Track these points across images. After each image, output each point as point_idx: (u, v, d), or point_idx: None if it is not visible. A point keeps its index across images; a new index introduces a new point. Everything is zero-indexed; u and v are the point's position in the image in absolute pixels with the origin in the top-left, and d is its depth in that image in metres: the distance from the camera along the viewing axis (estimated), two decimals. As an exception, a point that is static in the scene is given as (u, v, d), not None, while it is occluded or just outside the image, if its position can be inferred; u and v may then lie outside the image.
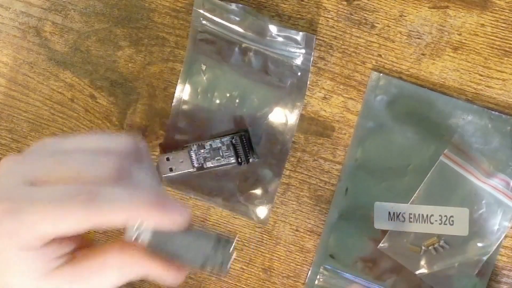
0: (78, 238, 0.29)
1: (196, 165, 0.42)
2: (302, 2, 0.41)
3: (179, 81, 0.43)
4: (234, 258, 0.30)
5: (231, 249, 0.29)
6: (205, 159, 0.42)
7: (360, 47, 0.41)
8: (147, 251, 0.29)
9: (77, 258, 0.29)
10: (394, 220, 0.41)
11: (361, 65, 0.41)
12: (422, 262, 0.41)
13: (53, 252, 0.28)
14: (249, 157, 0.42)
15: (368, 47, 0.41)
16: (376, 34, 0.41)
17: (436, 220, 0.40)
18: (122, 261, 0.29)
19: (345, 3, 0.41)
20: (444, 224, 0.40)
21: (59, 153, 0.29)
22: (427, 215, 0.40)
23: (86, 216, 0.26)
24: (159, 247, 0.29)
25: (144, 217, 0.28)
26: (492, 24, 0.39)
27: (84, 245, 0.30)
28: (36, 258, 0.27)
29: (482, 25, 0.40)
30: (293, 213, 0.43)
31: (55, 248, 0.28)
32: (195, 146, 0.42)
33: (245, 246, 0.44)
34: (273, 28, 0.41)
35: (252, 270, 0.44)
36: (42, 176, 0.28)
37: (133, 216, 0.27)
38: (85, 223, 0.27)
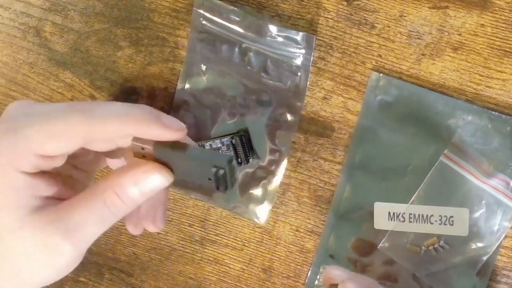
0: (61, 187, 0.29)
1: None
2: (302, 2, 0.41)
3: (179, 81, 0.43)
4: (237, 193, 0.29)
5: (233, 163, 0.28)
6: (205, 159, 0.42)
7: (360, 47, 0.41)
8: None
9: (61, 203, 0.28)
10: (394, 220, 0.41)
11: (361, 65, 0.41)
12: (422, 262, 0.41)
13: (39, 188, 0.27)
14: (249, 157, 0.42)
15: (368, 47, 0.41)
16: (376, 34, 0.41)
17: (436, 220, 0.40)
18: (109, 185, 0.28)
19: (345, 3, 0.41)
20: (444, 224, 0.40)
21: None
22: (427, 215, 0.40)
23: (81, 125, 0.27)
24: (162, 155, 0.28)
25: (141, 127, 0.27)
26: (492, 24, 0.39)
27: (66, 197, 0.29)
28: (23, 191, 0.27)
29: (482, 25, 0.40)
30: (293, 213, 0.43)
31: (41, 184, 0.28)
32: (195, 146, 0.42)
33: (245, 246, 0.44)
34: (273, 28, 0.41)
35: (252, 270, 0.44)
36: (43, 104, 0.28)
37: (130, 127, 0.27)
38: (81, 135, 0.27)
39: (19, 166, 0.27)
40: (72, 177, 0.31)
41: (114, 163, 0.34)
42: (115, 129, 0.27)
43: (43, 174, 0.28)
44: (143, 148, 0.28)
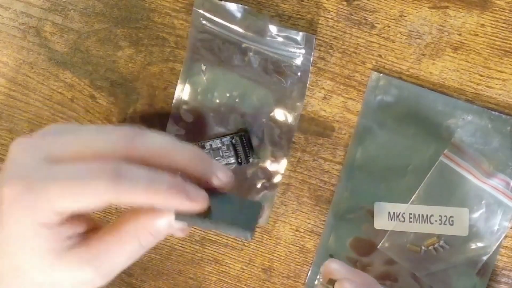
0: (89, 220, 0.29)
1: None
2: (302, 2, 0.41)
3: (179, 81, 0.43)
4: (256, 228, 0.30)
5: (258, 210, 0.29)
6: (205, 159, 0.42)
7: (360, 47, 0.41)
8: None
9: (90, 239, 0.29)
10: (394, 220, 0.41)
11: (361, 65, 0.41)
12: (422, 262, 0.41)
13: (67, 231, 0.28)
14: (249, 157, 0.42)
15: (368, 47, 0.41)
16: (376, 34, 0.41)
17: (436, 220, 0.40)
18: (142, 224, 0.29)
19: (345, 3, 0.41)
20: (444, 224, 0.40)
21: (72, 131, 0.29)
22: (427, 215, 0.40)
23: (107, 194, 0.26)
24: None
25: (168, 200, 0.27)
26: (492, 24, 0.39)
27: (95, 227, 0.30)
28: (51, 237, 0.27)
29: (482, 25, 0.40)
30: (293, 213, 0.43)
31: (69, 227, 0.28)
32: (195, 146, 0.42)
33: (245, 246, 0.44)
34: (273, 28, 0.41)
35: (252, 270, 0.44)
36: (60, 153, 0.28)
37: (157, 200, 0.27)
38: (106, 201, 0.27)
39: (42, 221, 0.27)
40: None
41: None
42: (141, 201, 0.27)
43: (67, 218, 0.28)
44: None
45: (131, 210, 0.30)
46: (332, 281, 0.32)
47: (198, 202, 0.28)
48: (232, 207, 0.30)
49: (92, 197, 0.27)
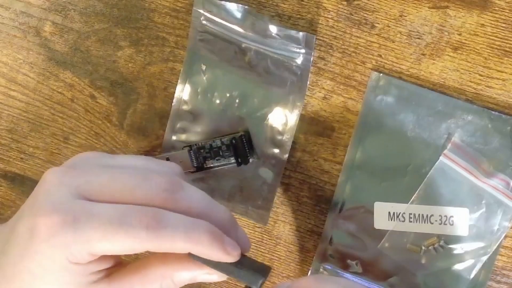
0: (115, 257, 0.29)
1: (196, 165, 0.42)
2: (302, 2, 0.41)
3: (179, 81, 0.43)
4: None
5: (268, 270, 0.31)
6: (205, 159, 0.42)
7: (360, 47, 0.41)
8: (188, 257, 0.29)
9: (113, 275, 0.29)
10: (394, 220, 0.41)
11: (361, 65, 0.41)
12: (422, 262, 0.41)
13: (94, 267, 0.28)
14: (249, 157, 0.42)
15: (368, 47, 0.41)
16: (376, 34, 0.41)
17: (436, 220, 0.40)
18: (167, 271, 0.29)
19: (345, 3, 0.41)
20: (444, 224, 0.40)
21: (110, 168, 0.29)
22: (427, 215, 0.40)
23: (147, 242, 0.26)
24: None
25: (204, 250, 0.28)
26: (492, 24, 0.39)
27: (119, 262, 0.30)
28: (78, 272, 0.27)
29: (482, 25, 0.40)
30: (293, 213, 0.43)
31: (97, 264, 0.28)
32: (195, 146, 0.42)
33: (245, 246, 0.44)
34: (273, 28, 0.41)
35: (252, 270, 0.44)
36: (96, 191, 0.28)
37: (193, 248, 0.28)
38: (143, 248, 0.27)
39: (73, 259, 0.27)
40: None
41: None
42: (178, 248, 0.27)
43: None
44: None
45: (159, 254, 0.30)
46: None
47: (233, 256, 0.29)
48: (244, 261, 0.30)
49: (131, 243, 0.26)
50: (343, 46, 0.41)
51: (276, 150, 0.42)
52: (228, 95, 0.42)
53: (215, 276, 0.30)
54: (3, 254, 0.28)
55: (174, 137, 0.44)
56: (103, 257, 0.28)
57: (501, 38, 0.39)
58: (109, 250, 0.27)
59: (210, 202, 0.30)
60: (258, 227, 0.44)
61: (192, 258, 0.29)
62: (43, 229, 0.26)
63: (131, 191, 0.28)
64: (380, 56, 0.41)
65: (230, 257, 0.29)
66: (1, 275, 0.28)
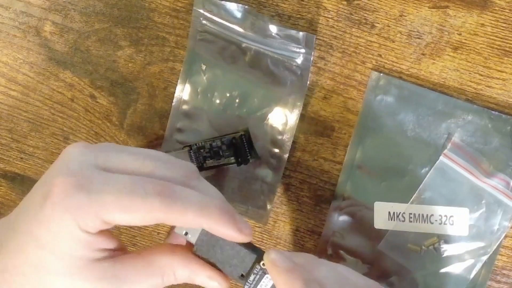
0: (118, 240, 0.29)
1: (196, 165, 0.42)
2: (302, 2, 0.41)
3: (179, 81, 0.43)
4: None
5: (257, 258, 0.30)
6: (205, 158, 0.42)
7: (360, 47, 0.41)
8: (194, 255, 0.29)
9: (117, 258, 0.28)
10: (394, 220, 0.41)
11: (361, 65, 0.41)
12: (422, 262, 0.41)
13: (101, 243, 0.28)
14: (249, 157, 0.42)
15: (368, 47, 0.41)
16: (376, 34, 0.41)
17: (436, 220, 0.40)
18: (171, 263, 0.29)
19: (345, 3, 0.41)
20: (444, 224, 0.40)
21: (131, 152, 0.29)
22: (427, 215, 0.40)
23: (160, 210, 0.26)
24: (204, 249, 0.30)
25: (216, 225, 0.28)
26: (492, 24, 0.39)
27: (121, 248, 0.30)
28: (86, 244, 0.27)
29: (482, 25, 0.40)
30: (293, 213, 0.43)
31: (104, 240, 0.28)
32: (195, 146, 0.42)
33: (245, 246, 0.44)
34: (273, 28, 0.41)
35: (252, 270, 0.44)
36: (116, 166, 0.28)
37: (206, 222, 0.28)
38: (155, 217, 0.27)
39: (83, 226, 0.26)
40: None
41: None
42: (190, 221, 0.27)
43: (103, 231, 0.28)
44: (186, 233, 0.30)
45: (168, 245, 0.30)
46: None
47: (245, 234, 0.28)
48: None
49: (145, 213, 0.26)
50: (343, 46, 0.41)
51: (276, 150, 0.42)
52: (228, 95, 0.42)
53: (215, 283, 0.30)
54: (11, 229, 0.28)
55: (174, 137, 0.44)
56: (110, 236, 0.28)
57: (501, 38, 0.39)
58: (122, 218, 0.26)
59: (222, 197, 0.30)
60: (258, 227, 0.44)
61: (196, 253, 0.29)
62: (56, 191, 0.26)
63: (151, 170, 0.28)
64: (380, 56, 0.41)
65: (242, 236, 0.28)
66: (4, 251, 0.27)
